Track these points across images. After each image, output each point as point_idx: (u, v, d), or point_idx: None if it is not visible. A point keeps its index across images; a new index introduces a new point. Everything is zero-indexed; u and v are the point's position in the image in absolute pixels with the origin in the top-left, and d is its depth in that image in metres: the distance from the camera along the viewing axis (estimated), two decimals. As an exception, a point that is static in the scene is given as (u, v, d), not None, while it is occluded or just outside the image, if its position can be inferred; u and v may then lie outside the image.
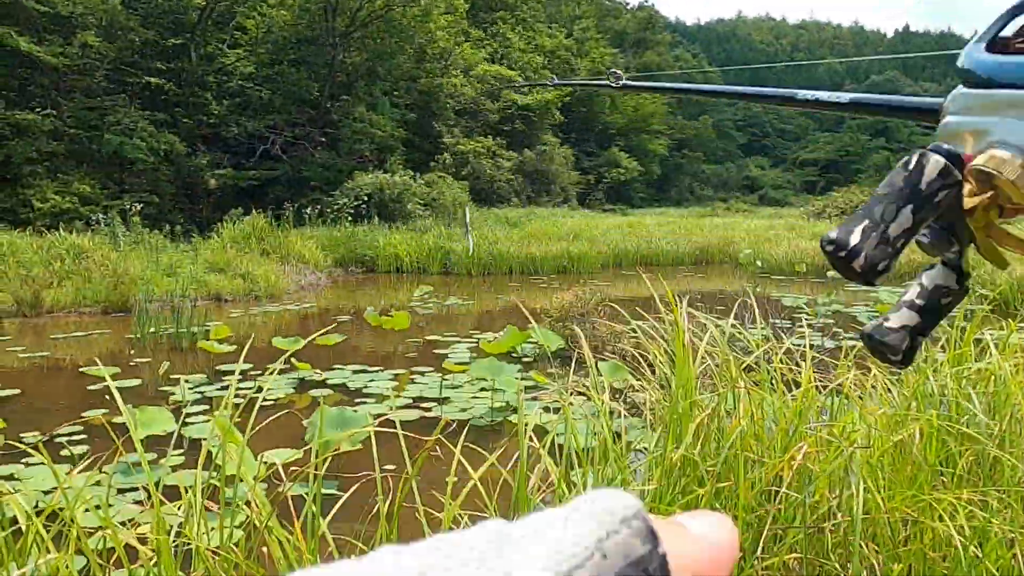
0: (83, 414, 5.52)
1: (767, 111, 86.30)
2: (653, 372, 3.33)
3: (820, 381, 2.25)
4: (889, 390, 2.52)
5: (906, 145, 73.68)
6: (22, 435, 4.88)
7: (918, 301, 0.43)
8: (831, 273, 15.21)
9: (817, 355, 2.39)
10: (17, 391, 6.34)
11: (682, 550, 0.19)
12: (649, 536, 0.17)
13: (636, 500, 0.18)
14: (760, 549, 1.66)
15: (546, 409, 5.29)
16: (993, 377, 2.35)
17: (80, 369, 7.12)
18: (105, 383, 6.45)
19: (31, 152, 17.38)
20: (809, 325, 9.19)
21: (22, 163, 17.31)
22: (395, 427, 2.08)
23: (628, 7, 58.87)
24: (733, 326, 2.32)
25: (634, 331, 7.43)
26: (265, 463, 4.08)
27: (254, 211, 16.94)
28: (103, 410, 5.62)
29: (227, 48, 23.62)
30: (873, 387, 2.40)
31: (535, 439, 2.07)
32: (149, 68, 20.72)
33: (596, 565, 0.16)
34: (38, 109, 17.88)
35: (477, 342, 8.44)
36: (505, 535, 0.17)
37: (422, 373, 6.92)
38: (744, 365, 2.05)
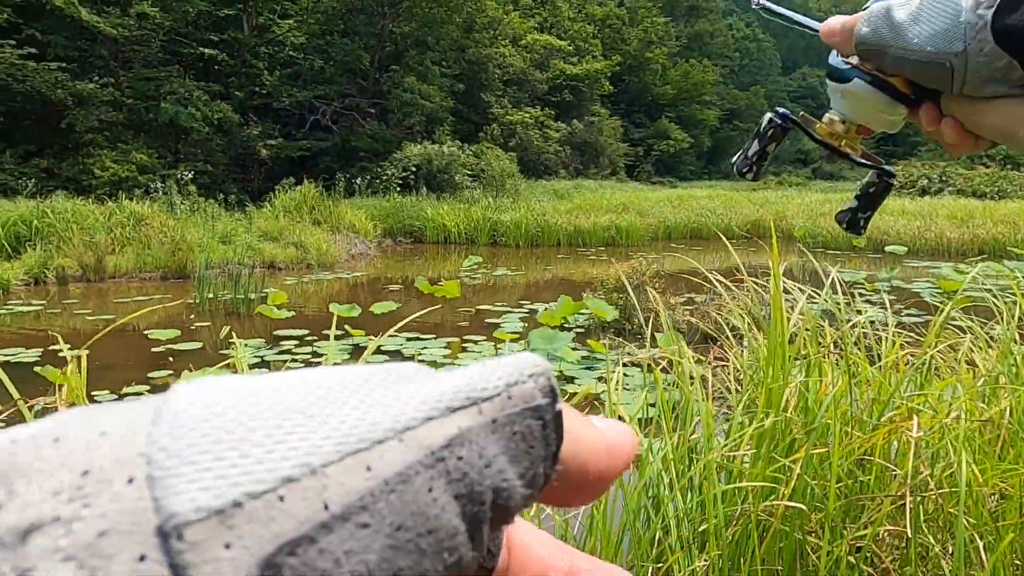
0: (148, 375, 5.69)
1: (824, 82, 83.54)
2: (719, 342, 3.27)
3: (908, 352, 2.17)
4: (974, 364, 2.43)
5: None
6: (93, 393, 5.06)
7: (858, 193, 0.70)
8: (888, 248, 14.78)
9: (902, 328, 2.31)
10: (86, 352, 6.56)
11: (580, 429, 0.20)
12: (550, 392, 0.19)
13: (546, 363, 0.20)
14: (852, 520, 1.62)
15: (600, 379, 5.28)
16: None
17: (145, 332, 7.33)
18: (168, 345, 6.64)
19: (92, 121, 17.82)
20: (868, 301, 8.96)
21: (84, 132, 17.77)
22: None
23: (680, -27, 57.33)
24: (817, 295, 2.25)
25: (690, 303, 7.28)
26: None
27: (305, 181, 17.13)
28: (168, 371, 5.78)
29: (278, 18, 23.77)
30: (956, 361, 2.31)
31: (608, 409, 2.05)
32: (203, 39, 20.99)
33: (502, 402, 0.18)
34: (98, 79, 18.28)
35: (528, 312, 8.43)
36: (431, 371, 0.19)
37: (475, 342, 6.95)
38: (834, 339, 1.99)
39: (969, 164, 30.12)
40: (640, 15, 41.19)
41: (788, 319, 1.77)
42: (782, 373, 1.63)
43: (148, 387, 5.36)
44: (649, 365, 1.95)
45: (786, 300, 2.56)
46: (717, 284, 2.75)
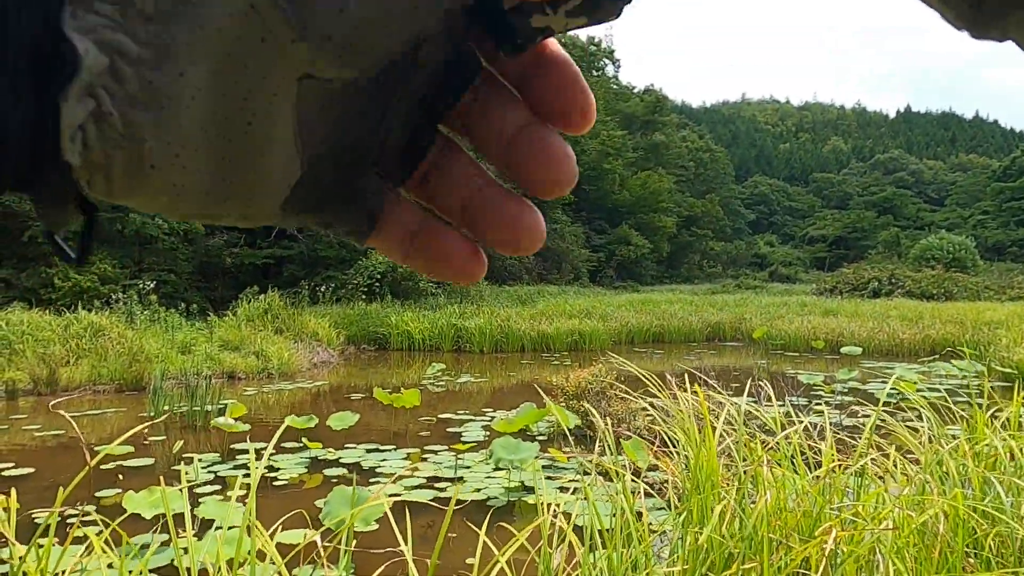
0: (95, 494, 5.49)
1: (774, 189, 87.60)
2: (670, 449, 3.32)
3: (840, 460, 2.24)
4: (905, 472, 2.50)
5: (914, 221, 74.19)
6: (33, 515, 4.85)
7: None
8: (844, 349, 15.11)
9: (837, 432, 2.39)
10: (31, 470, 6.33)
11: None
12: None
13: None
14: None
15: (563, 489, 5.22)
16: (1011, 454, 2.34)
17: (96, 447, 7.11)
18: (118, 462, 6.43)
19: (55, 233, 17.76)
20: (826, 403, 9.07)
21: (46, 243, 17.69)
22: (410, 506, 2.08)
23: (635, 91, 60.62)
24: (750, 403, 2.34)
25: (648, 409, 7.37)
26: (275, 544, 4.03)
27: (269, 289, 17.13)
28: (116, 489, 5.58)
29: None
30: (894, 466, 2.38)
31: (558, 519, 2.07)
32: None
33: None
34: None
35: (490, 419, 8.38)
36: None
37: (435, 452, 6.86)
38: (768, 447, 2.05)
39: (916, 267, 31.33)
40: (599, 128, 43.12)
41: (716, 431, 1.83)
42: (710, 488, 1.68)
43: (95, 507, 5.16)
44: (579, 480, 1.99)
45: (736, 407, 2.64)
46: (668, 391, 2.82)
